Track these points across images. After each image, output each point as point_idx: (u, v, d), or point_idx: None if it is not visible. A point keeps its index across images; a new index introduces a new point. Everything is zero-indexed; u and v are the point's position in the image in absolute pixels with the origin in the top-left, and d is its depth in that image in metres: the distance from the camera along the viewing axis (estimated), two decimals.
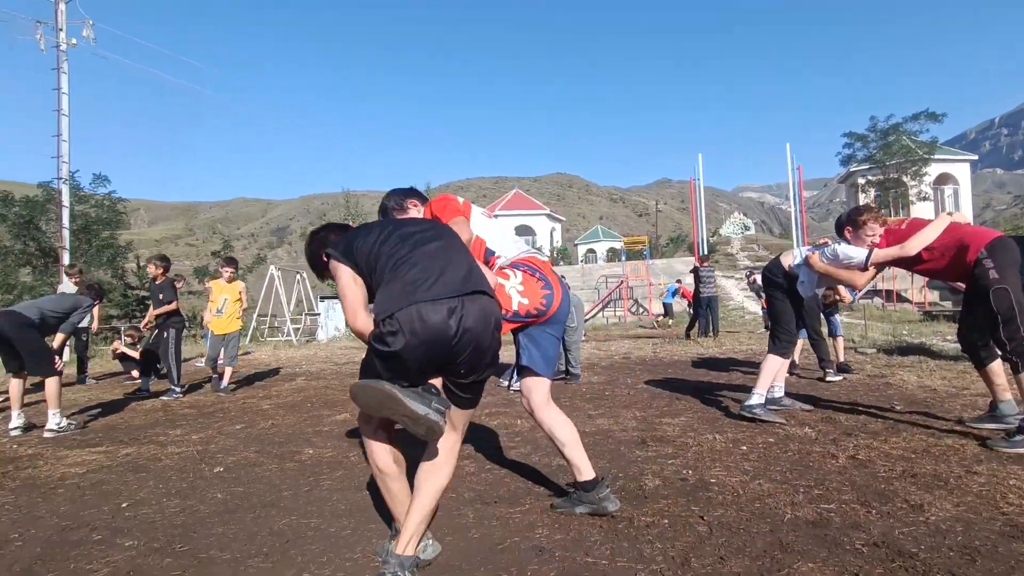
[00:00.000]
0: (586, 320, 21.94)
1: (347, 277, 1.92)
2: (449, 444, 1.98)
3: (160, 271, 6.77)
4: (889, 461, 2.94)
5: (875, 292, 20.29)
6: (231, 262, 7.51)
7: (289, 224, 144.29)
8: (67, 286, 7.78)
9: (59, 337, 5.31)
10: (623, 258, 31.25)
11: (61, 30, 14.73)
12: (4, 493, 3.13)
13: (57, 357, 5.08)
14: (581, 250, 51.99)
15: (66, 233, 15.27)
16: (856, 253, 3.71)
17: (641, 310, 26.07)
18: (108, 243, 21.64)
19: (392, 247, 1.92)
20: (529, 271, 2.39)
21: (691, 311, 12.69)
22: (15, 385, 4.99)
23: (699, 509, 2.43)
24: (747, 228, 49.44)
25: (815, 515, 2.30)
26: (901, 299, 19.26)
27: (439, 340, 1.76)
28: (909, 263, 3.64)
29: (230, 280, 7.20)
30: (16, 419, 4.90)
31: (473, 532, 2.31)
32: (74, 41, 14.97)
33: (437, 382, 1.91)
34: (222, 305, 7.06)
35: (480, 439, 3.87)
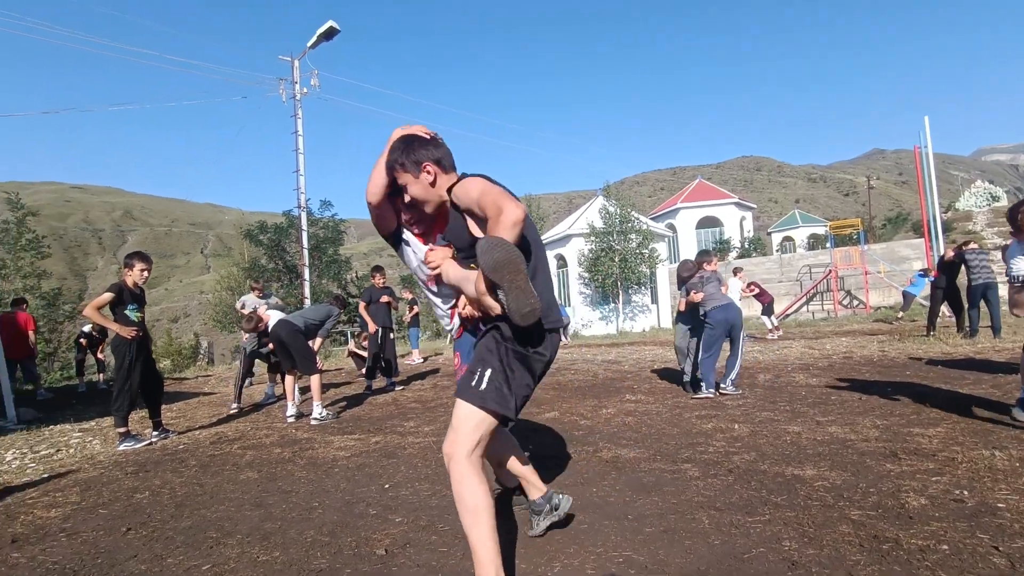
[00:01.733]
0: (787, 316, 20.01)
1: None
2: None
3: (383, 279, 8.20)
4: None
5: None
6: None
7: None
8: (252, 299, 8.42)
9: (317, 341, 6.35)
10: (829, 245, 27.87)
11: (296, 82, 17.57)
12: (298, 469, 3.85)
13: (318, 358, 6.10)
14: (776, 239, 47.44)
15: (305, 253, 18.20)
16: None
17: (856, 302, 23.10)
18: (333, 258, 25.32)
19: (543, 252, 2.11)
20: None
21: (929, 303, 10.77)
22: (289, 381, 6.10)
23: (989, 538, 2.08)
24: (995, 198, 40.57)
25: None
26: None
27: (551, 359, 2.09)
28: None
29: None
30: (291, 408, 5.99)
31: (713, 539, 2.26)
32: (305, 90, 17.75)
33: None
34: None
35: (696, 444, 3.76)
